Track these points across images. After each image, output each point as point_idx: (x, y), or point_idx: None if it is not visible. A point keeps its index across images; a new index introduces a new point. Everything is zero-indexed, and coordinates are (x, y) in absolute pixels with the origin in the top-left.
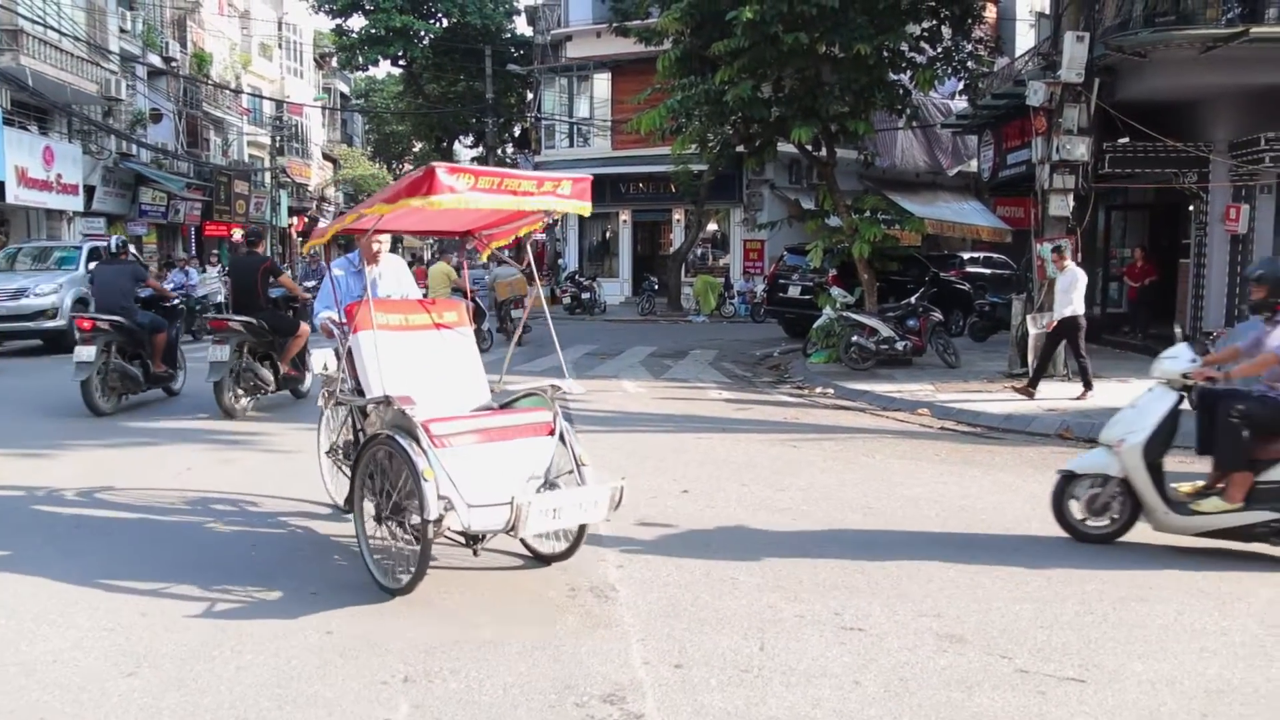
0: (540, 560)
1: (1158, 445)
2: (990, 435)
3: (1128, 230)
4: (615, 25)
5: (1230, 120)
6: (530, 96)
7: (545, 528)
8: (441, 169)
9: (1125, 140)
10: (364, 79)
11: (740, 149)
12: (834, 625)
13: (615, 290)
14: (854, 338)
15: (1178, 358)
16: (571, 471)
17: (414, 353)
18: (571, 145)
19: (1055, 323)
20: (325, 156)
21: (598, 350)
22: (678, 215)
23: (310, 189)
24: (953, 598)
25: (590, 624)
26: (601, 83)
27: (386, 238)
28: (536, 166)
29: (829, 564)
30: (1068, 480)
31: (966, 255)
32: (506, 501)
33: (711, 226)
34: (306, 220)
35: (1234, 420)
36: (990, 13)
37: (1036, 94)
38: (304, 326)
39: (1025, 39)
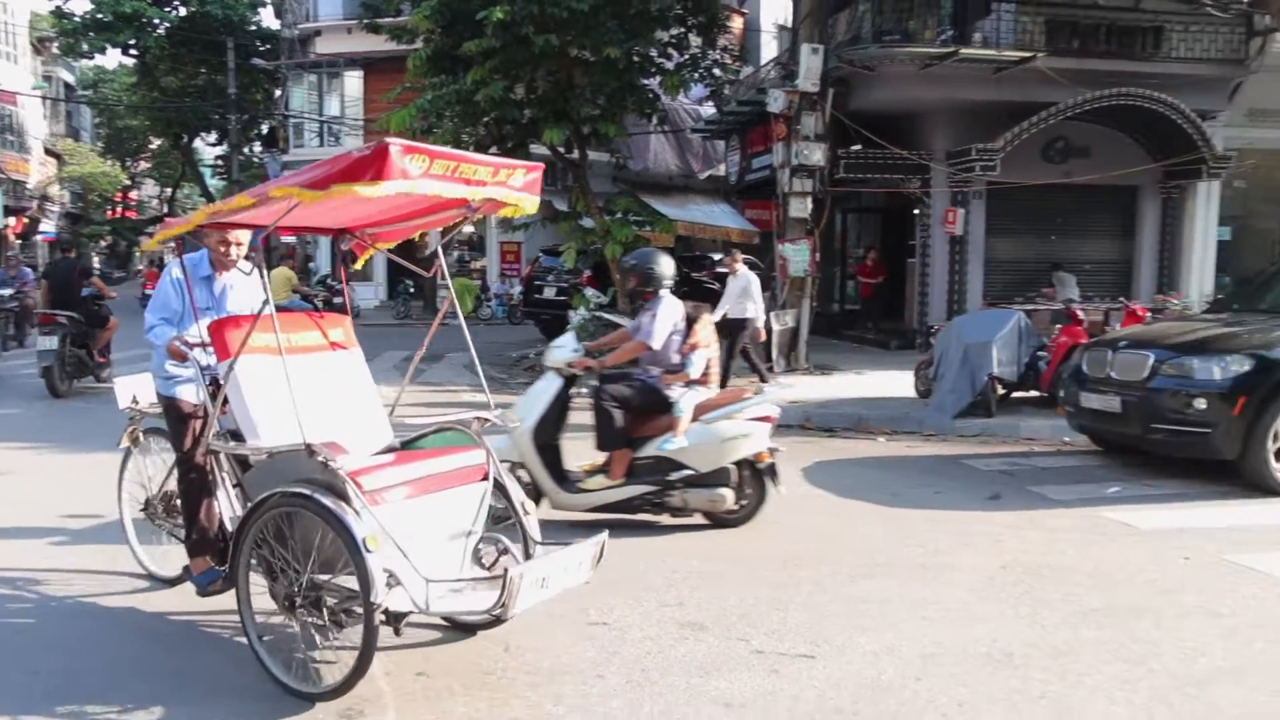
0: (465, 630)
1: (547, 428)
2: None
3: (862, 232)
4: (366, 21)
5: (947, 131)
6: (278, 93)
7: (534, 602)
8: (396, 147)
9: (858, 147)
10: (92, 68)
11: (493, 150)
12: (580, 622)
13: (370, 294)
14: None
15: (564, 347)
16: (508, 521)
17: (309, 381)
18: (322, 144)
19: (759, 331)
20: (48, 151)
21: None
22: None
23: (30, 186)
24: (696, 588)
25: None
26: (353, 80)
27: (246, 236)
28: (284, 166)
29: None
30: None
31: (717, 256)
32: (486, 576)
33: (468, 229)
34: (26, 221)
35: (606, 403)
36: (737, 23)
37: (776, 101)
38: (113, 320)
39: (769, 49)
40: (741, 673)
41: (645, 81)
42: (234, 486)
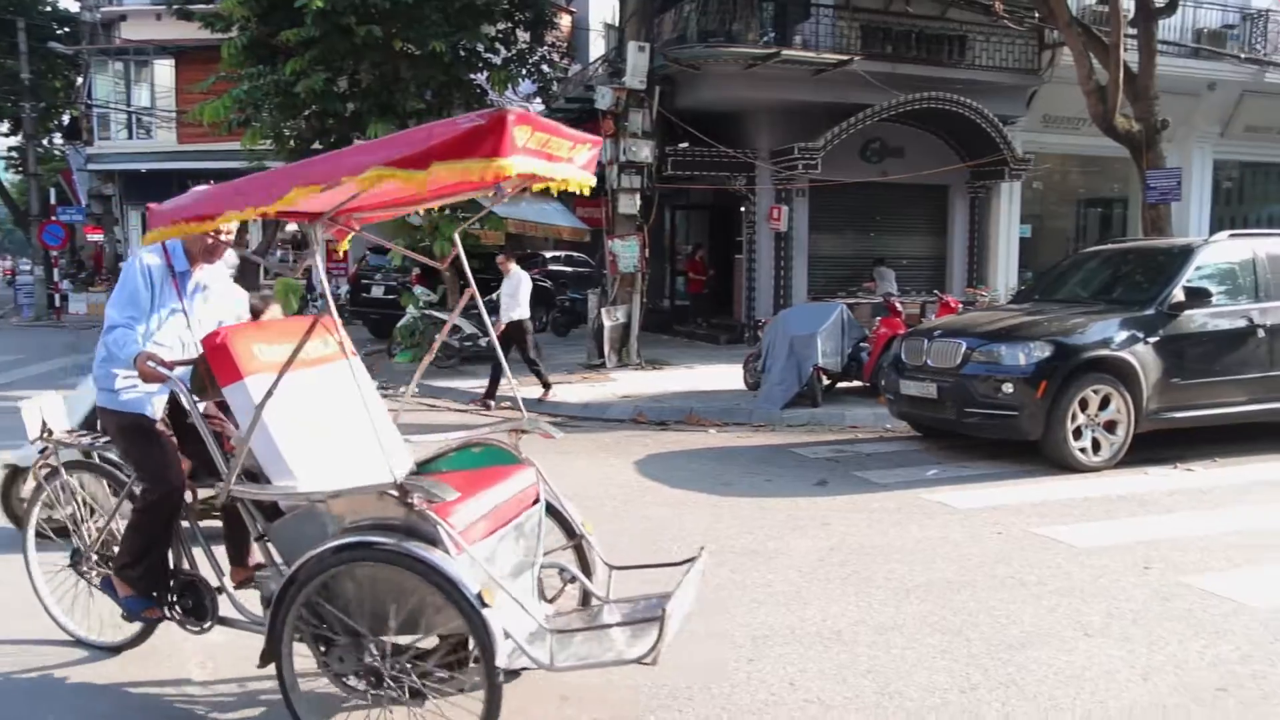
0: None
1: None
2: (570, 424)
3: (691, 228)
4: (176, 7)
5: (771, 130)
6: (80, 80)
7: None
8: (512, 117)
9: (685, 145)
10: None
11: (316, 145)
12: None
13: None
14: (437, 335)
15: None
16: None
17: (327, 400)
18: (131, 137)
19: (503, 326)
20: None
21: None
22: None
23: None
24: None
25: None
26: (164, 69)
27: (235, 224)
28: (89, 160)
29: None
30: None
31: (549, 254)
32: (632, 619)
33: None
34: None
35: None
36: (565, 20)
37: (604, 98)
38: None
39: (598, 47)
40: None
41: (473, 76)
42: (255, 540)
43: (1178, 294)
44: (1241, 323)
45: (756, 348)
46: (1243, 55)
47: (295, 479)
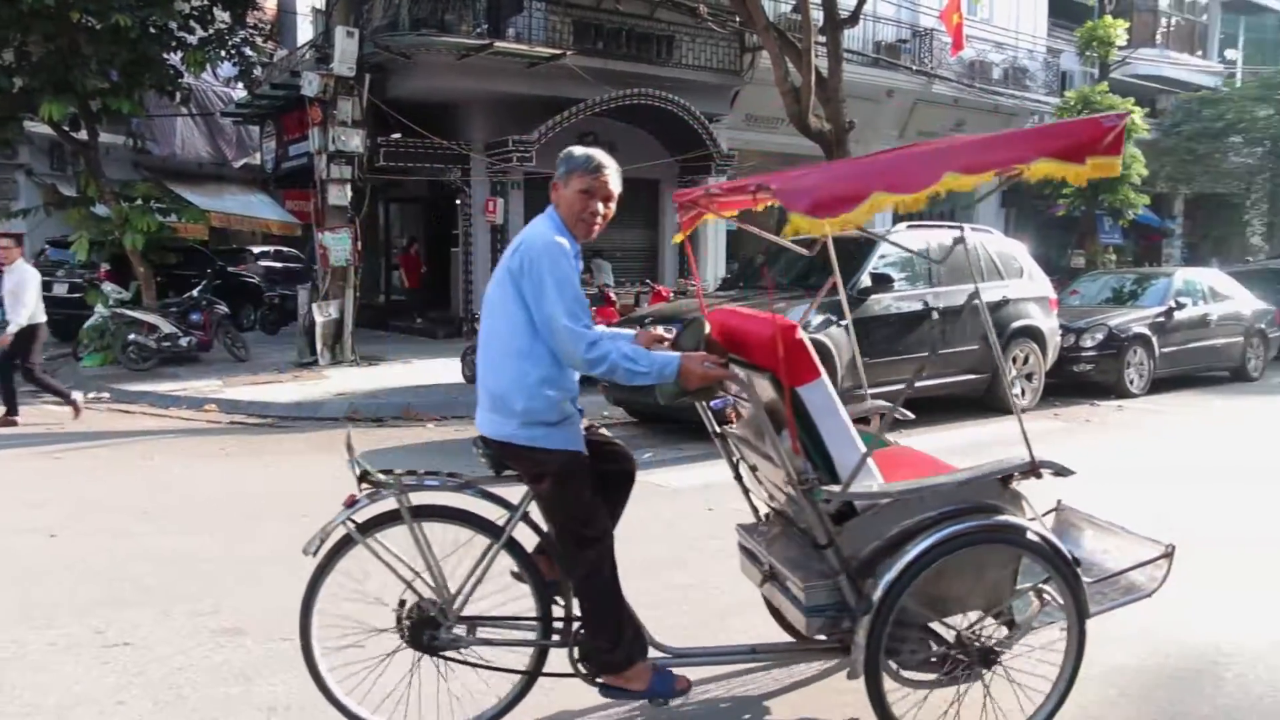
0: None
1: None
2: (281, 425)
3: (406, 221)
4: None
5: (485, 122)
6: None
7: None
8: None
9: (398, 136)
10: None
11: None
12: (95, 645)
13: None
14: (131, 336)
15: None
16: None
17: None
18: None
19: (9, 338)
20: None
21: None
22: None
23: None
24: (231, 590)
25: None
26: None
27: None
28: None
29: (93, 581)
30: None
31: (257, 249)
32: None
33: None
34: None
35: None
36: (270, 1)
37: (311, 85)
38: None
39: (306, 32)
40: (287, 674)
41: (166, 56)
42: (817, 547)
43: (864, 280)
44: (918, 306)
45: (474, 340)
46: (914, 67)
47: (874, 475)
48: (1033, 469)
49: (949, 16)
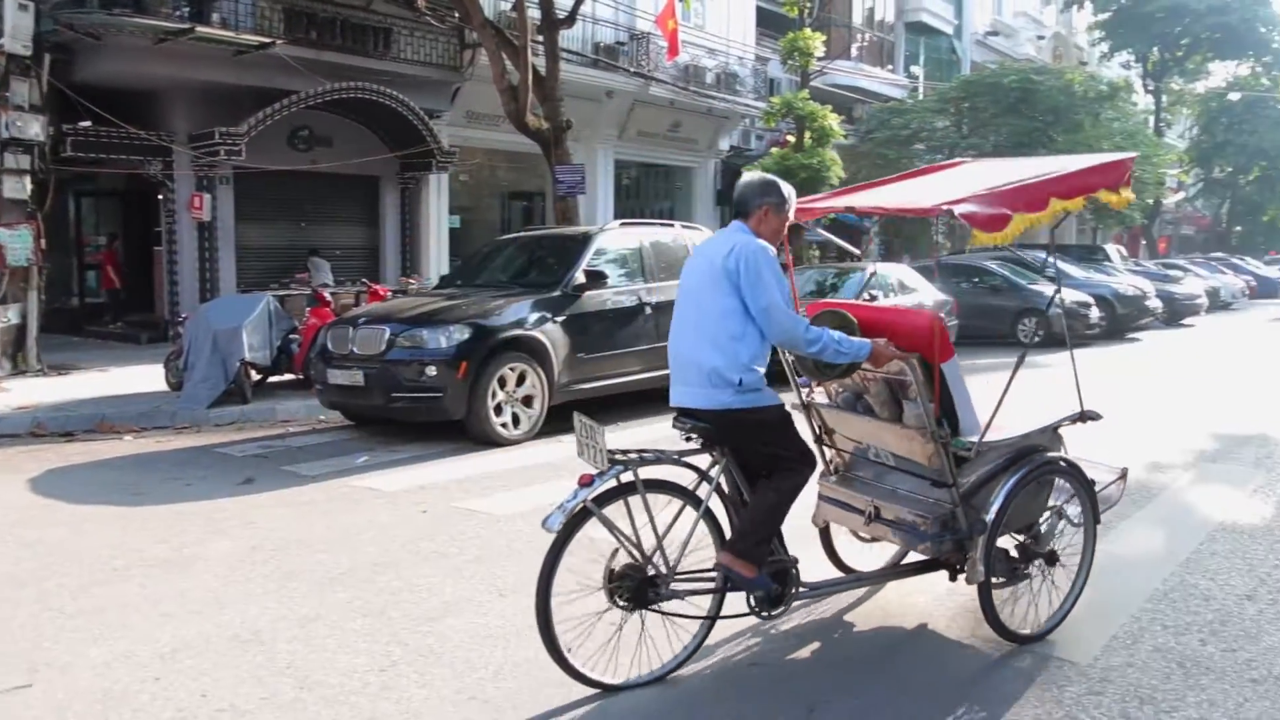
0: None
1: None
2: None
3: (102, 217)
4: None
5: (189, 112)
6: None
7: None
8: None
9: (88, 124)
10: None
11: None
12: None
13: None
14: None
15: None
16: None
17: None
18: None
19: None
20: None
21: None
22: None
23: None
24: None
25: None
26: None
27: None
28: None
29: None
30: None
31: None
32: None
33: None
34: None
35: None
36: None
37: None
38: None
39: None
40: None
41: None
42: (937, 485)
43: (579, 276)
44: (633, 301)
45: (177, 345)
46: (631, 69)
47: (981, 427)
48: (1081, 417)
49: (664, 22)
